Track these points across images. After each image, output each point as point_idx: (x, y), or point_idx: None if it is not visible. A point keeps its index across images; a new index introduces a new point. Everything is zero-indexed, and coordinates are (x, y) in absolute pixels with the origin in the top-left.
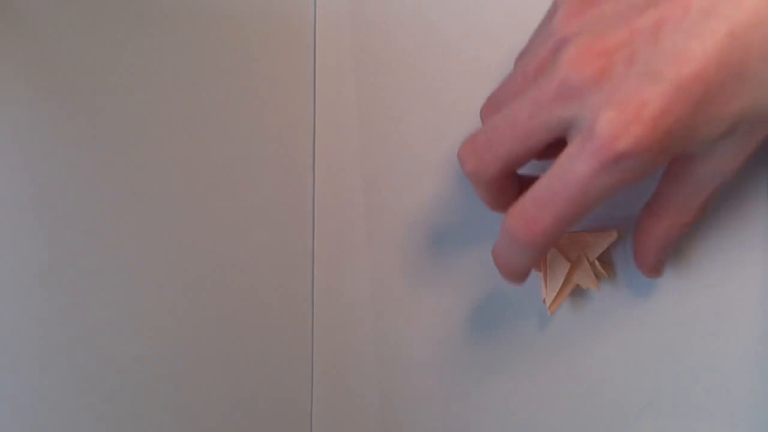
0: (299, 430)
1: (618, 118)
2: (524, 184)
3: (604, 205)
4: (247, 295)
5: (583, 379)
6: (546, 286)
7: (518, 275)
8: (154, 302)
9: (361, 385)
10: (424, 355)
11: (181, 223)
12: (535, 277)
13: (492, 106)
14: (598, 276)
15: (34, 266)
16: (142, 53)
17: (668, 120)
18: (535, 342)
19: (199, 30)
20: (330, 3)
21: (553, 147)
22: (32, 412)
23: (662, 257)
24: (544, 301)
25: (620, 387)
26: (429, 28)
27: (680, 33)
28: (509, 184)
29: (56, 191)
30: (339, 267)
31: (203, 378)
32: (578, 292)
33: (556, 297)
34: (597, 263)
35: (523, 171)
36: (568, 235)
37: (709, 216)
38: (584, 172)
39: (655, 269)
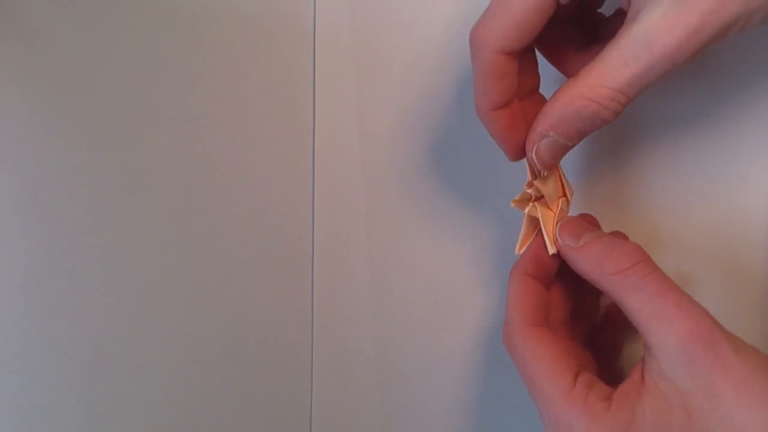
0: (299, 430)
1: None
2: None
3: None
4: (248, 295)
5: None
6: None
7: (488, 104)
8: (153, 302)
9: (361, 385)
10: (424, 355)
11: (181, 222)
12: None
13: None
14: (565, 192)
15: (35, 266)
16: (142, 53)
17: None
18: None
19: (198, 30)
20: (329, 3)
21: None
22: (31, 411)
23: (552, 139)
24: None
25: None
26: (428, 27)
27: None
28: (512, 70)
29: (56, 191)
30: (339, 267)
31: (203, 378)
32: None
33: (522, 237)
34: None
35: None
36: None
37: (711, 219)
38: None
39: (539, 152)
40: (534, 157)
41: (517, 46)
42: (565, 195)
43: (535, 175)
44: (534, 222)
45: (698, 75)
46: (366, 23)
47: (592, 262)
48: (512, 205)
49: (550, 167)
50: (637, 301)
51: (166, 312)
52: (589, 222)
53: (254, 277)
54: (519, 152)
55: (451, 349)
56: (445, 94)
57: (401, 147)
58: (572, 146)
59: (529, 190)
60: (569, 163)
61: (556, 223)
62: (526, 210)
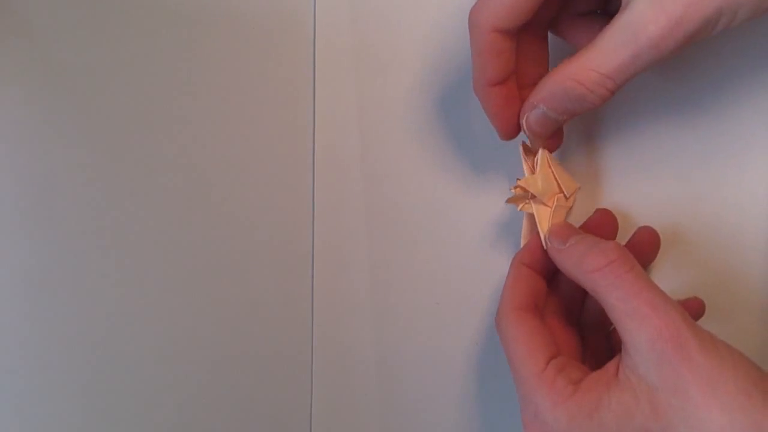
0: (299, 430)
1: None
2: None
3: None
4: (248, 296)
5: None
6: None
7: (484, 80)
8: (153, 302)
9: (361, 385)
10: (424, 355)
11: (181, 222)
12: None
13: None
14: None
15: (36, 266)
16: (142, 53)
17: None
18: None
19: (198, 30)
20: (329, 3)
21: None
22: (32, 411)
23: (542, 111)
24: None
25: None
26: (428, 27)
27: None
28: (507, 48)
29: (56, 191)
30: (339, 267)
31: (203, 378)
32: None
33: (523, 231)
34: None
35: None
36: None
37: (710, 218)
38: None
39: (529, 121)
40: (524, 125)
41: (511, 25)
42: (561, 191)
43: (532, 170)
44: (532, 217)
45: (697, 67)
46: (366, 23)
47: (573, 261)
48: (507, 202)
49: (539, 137)
50: (613, 298)
51: (166, 312)
52: (605, 218)
53: (254, 277)
54: (510, 131)
55: (451, 349)
56: (445, 94)
57: (401, 147)
58: (562, 121)
59: (513, 190)
60: (570, 157)
61: (551, 218)
62: (519, 207)
